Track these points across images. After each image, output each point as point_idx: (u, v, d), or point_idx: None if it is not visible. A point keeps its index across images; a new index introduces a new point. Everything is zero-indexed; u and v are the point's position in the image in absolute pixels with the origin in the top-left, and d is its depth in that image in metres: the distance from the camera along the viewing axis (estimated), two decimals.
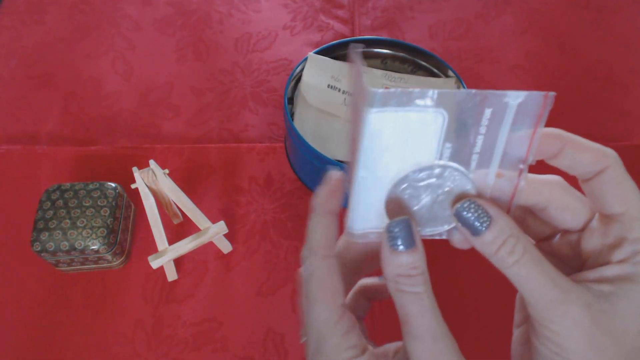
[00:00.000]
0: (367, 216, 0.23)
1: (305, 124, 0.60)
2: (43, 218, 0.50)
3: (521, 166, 0.22)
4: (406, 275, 0.22)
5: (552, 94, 0.20)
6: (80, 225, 0.50)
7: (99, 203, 0.51)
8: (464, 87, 0.59)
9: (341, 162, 0.53)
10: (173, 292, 0.54)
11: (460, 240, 0.24)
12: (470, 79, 0.73)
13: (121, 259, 0.54)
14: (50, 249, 0.49)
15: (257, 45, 0.76)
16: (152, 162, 0.50)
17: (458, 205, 0.22)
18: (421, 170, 0.22)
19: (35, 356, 0.50)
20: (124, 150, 0.63)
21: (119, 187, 0.54)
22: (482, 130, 0.21)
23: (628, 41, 0.79)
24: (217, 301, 0.53)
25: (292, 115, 0.61)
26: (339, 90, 0.60)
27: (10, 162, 0.62)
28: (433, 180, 0.22)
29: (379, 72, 0.62)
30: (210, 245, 0.56)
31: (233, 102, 0.69)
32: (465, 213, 0.22)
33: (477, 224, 0.22)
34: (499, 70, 0.74)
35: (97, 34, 0.76)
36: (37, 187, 0.59)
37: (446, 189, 0.23)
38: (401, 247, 0.22)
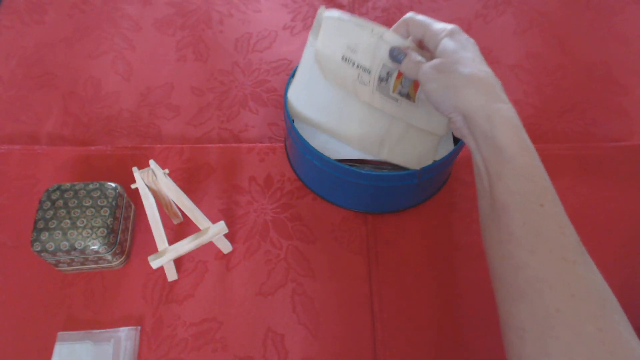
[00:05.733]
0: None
1: (305, 124, 0.60)
2: (43, 218, 0.50)
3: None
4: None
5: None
6: (80, 225, 0.50)
7: (99, 203, 0.51)
8: None
9: (341, 161, 0.53)
10: (173, 292, 0.54)
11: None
12: None
13: (121, 259, 0.54)
14: (50, 249, 0.49)
15: (257, 45, 0.76)
16: (152, 162, 0.50)
17: (391, 49, 0.48)
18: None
19: (36, 356, 0.50)
20: (124, 150, 0.63)
21: (119, 187, 0.54)
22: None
23: (628, 41, 0.79)
24: (217, 301, 0.53)
25: None
26: (354, 64, 0.51)
27: (10, 162, 0.62)
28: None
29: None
30: (210, 245, 0.56)
31: (233, 102, 0.69)
32: (393, 53, 0.48)
33: (399, 57, 0.47)
34: (499, 70, 0.74)
35: (97, 34, 0.76)
36: (37, 187, 0.59)
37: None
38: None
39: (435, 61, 0.42)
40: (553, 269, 0.33)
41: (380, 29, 0.49)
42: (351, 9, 0.81)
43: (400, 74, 0.50)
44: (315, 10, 0.80)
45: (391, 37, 0.48)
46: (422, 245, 0.57)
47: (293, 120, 0.57)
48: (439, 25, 0.44)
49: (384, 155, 0.54)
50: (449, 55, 0.41)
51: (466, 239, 0.58)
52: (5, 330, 0.51)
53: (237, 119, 0.67)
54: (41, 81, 0.70)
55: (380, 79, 0.51)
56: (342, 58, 0.52)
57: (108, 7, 0.79)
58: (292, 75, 0.60)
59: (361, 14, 0.80)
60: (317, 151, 0.52)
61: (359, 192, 0.57)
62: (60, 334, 0.50)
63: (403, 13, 0.81)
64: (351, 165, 0.53)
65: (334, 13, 0.51)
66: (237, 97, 0.70)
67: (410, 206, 0.60)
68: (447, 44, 0.42)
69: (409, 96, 0.51)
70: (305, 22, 0.79)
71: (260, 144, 0.65)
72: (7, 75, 0.70)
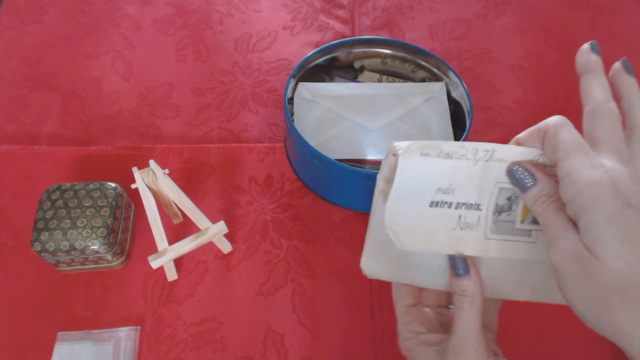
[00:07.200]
0: None
1: (305, 124, 0.60)
2: (43, 218, 0.50)
3: None
4: (460, 294, 0.31)
5: None
6: (80, 225, 0.50)
7: (99, 203, 0.51)
8: (463, 88, 0.59)
9: (341, 161, 0.53)
10: (173, 292, 0.54)
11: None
12: (470, 79, 0.73)
13: (121, 259, 0.54)
14: (50, 249, 0.49)
15: (257, 45, 0.76)
16: (152, 162, 0.50)
17: (511, 167, 0.30)
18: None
19: (36, 356, 0.50)
20: (124, 150, 0.63)
21: (119, 187, 0.54)
22: None
23: (628, 41, 0.79)
24: (217, 301, 0.53)
25: (292, 115, 0.61)
26: (450, 205, 0.33)
27: (10, 162, 0.62)
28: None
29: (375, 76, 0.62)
30: (210, 245, 0.56)
31: (233, 102, 0.69)
32: (514, 174, 0.30)
33: (525, 181, 0.29)
34: (499, 70, 0.74)
35: (97, 34, 0.76)
36: (37, 187, 0.59)
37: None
38: (461, 273, 0.31)
39: (574, 244, 0.26)
40: None
41: (484, 146, 0.31)
42: (351, 9, 0.81)
43: None
44: (316, 10, 0.80)
45: (508, 152, 0.31)
46: None
47: (293, 120, 0.57)
48: (591, 174, 0.26)
49: (527, 297, 0.35)
50: (598, 243, 0.25)
51: None
52: (5, 330, 0.51)
53: (237, 119, 0.67)
54: (41, 81, 0.70)
55: (498, 210, 0.33)
56: (431, 204, 0.33)
57: (108, 7, 0.79)
58: (292, 75, 0.60)
59: (361, 14, 0.80)
60: (317, 151, 0.52)
61: (359, 192, 0.57)
62: (60, 334, 0.50)
63: (403, 13, 0.81)
64: (351, 165, 0.53)
65: (410, 146, 0.31)
66: (237, 97, 0.70)
67: None
68: (602, 226, 0.25)
69: None
70: (305, 22, 0.79)
71: (260, 144, 0.65)
72: (7, 75, 0.70)
